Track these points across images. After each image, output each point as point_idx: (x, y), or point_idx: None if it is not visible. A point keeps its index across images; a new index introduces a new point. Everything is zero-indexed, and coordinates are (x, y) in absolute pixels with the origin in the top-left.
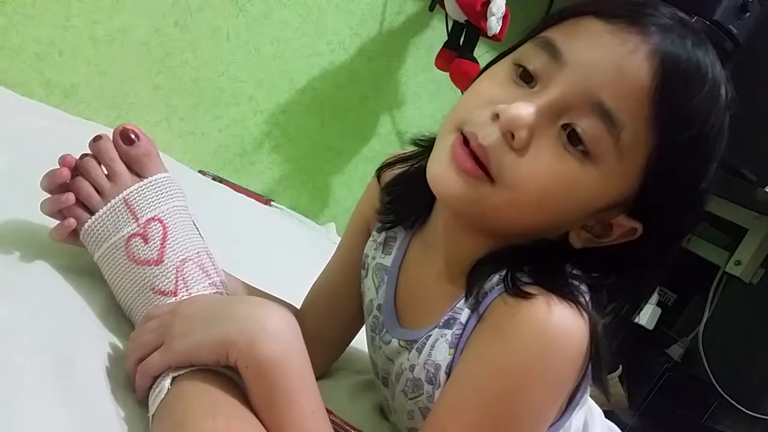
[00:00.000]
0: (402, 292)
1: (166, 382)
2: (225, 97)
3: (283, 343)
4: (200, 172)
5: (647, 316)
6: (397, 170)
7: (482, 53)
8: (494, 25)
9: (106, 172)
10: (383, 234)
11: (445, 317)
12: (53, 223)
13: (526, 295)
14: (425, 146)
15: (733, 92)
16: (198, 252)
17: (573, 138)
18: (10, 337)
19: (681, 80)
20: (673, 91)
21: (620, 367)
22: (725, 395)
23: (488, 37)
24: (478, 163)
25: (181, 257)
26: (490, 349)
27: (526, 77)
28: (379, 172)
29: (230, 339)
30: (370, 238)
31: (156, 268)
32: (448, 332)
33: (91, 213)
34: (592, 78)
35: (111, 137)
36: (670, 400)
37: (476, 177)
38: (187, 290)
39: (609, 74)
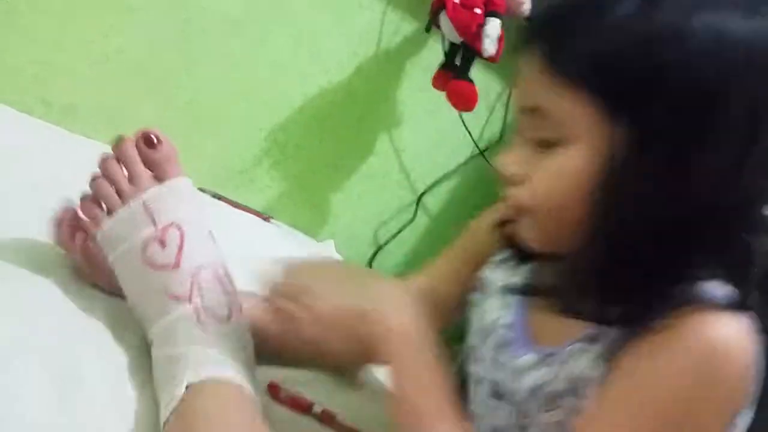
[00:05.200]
0: (533, 311)
1: (180, 391)
2: (223, 115)
3: (411, 318)
4: (200, 189)
5: None
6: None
7: (478, 74)
8: (489, 46)
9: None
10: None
11: (589, 332)
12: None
13: (691, 312)
14: None
15: None
16: (213, 261)
17: (538, 143)
18: (11, 353)
19: (561, 24)
20: (563, 39)
21: None
22: None
23: (484, 59)
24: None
25: (197, 264)
26: (649, 368)
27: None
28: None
29: (365, 309)
30: (490, 263)
31: (172, 272)
32: (593, 347)
33: (109, 214)
34: (518, 94)
35: (134, 140)
36: None
37: (516, 218)
38: (201, 297)
39: (521, 80)
